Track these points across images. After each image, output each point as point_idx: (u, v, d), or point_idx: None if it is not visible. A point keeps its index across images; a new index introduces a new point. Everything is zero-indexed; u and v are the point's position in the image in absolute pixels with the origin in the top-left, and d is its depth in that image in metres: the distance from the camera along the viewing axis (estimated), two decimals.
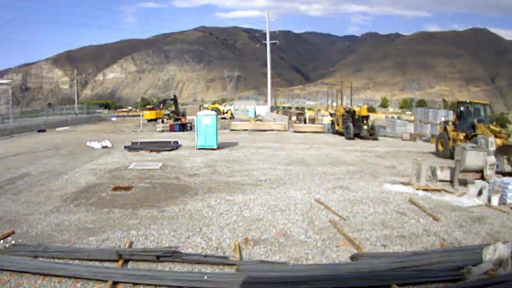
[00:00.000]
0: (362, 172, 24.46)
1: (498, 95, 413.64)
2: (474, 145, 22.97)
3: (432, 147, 40.44)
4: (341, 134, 53.37)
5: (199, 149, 35.29)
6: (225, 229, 13.84)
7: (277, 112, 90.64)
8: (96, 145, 37.81)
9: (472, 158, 21.01)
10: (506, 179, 18.68)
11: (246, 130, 60.60)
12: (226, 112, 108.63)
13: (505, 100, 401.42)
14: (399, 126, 62.22)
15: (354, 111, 54.49)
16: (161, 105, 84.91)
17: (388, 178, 23.21)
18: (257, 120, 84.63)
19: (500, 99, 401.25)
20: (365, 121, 52.85)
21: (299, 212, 16.02)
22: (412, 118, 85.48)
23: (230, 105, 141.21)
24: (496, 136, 28.77)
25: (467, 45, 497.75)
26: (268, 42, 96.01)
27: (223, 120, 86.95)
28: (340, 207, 16.83)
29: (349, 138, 49.61)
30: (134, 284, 9.65)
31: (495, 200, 17.32)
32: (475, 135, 30.40)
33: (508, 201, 17.72)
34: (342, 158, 32.59)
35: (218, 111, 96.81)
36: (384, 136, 56.39)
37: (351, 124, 51.00)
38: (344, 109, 58.07)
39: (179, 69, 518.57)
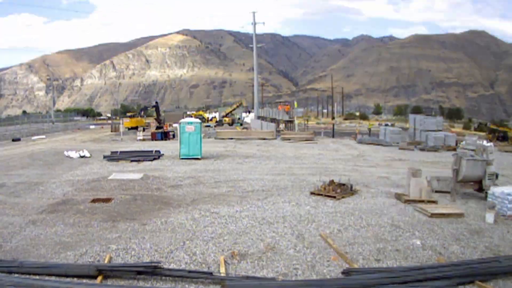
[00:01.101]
0: (355, 182, 24.46)
1: (497, 101, 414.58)
2: (472, 153, 22.86)
3: (430, 156, 40.54)
4: None
5: (182, 158, 35.25)
6: (210, 243, 13.82)
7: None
8: (74, 154, 37.64)
9: (470, 167, 20.97)
10: (506, 189, 18.68)
11: (232, 138, 60.50)
12: (211, 120, 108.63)
13: (504, 106, 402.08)
14: (394, 134, 62.17)
15: None
16: (142, 112, 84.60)
17: (382, 189, 23.27)
18: (244, 128, 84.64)
19: (499, 106, 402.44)
20: None
21: (288, 225, 16.02)
22: (407, 125, 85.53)
23: (215, 112, 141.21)
24: None
25: (465, 49, 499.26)
26: (254, 45, 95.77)
27: (207, 128, 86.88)
28: (330, 219, 16.85)
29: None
30: None
31: (490, 218, 17.16)
32: None
33: (508, 212, 17.75)
34: (333, 167, 32.66)
35: (202, 118, 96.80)
36: (378, 144, 56.35)
37: None
38: None
39: (161, 74, 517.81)
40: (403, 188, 22.25)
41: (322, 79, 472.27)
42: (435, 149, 51.74)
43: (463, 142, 24.83)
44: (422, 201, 19.54)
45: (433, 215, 17.39)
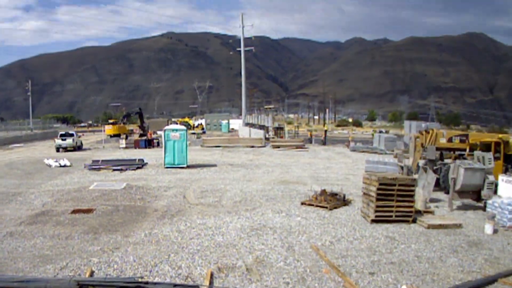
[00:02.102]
0: (347, 192, 24.42)
1: (496, 107, 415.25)
2: (470, 162, 22.83)
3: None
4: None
5: (167, 167, 35.27)
6: (196, 255, 13.78)
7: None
8: (54, 163, 37.55)
9: (468, 176, 20.96)
10: (506, 199, 18.68)
11: (219, 146, 60.51)
12: (197, 127, 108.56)
13: (504, 112, 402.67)
14: (389, 141, 62.11)
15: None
16: (125, 119, 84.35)
17: None
18: (231, 135, 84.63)
19: (499, 111, 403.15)
20: None
21: (277, 237, 16.00)
22: (402, 132, 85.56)
23: (201, 118, 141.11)
24: None
25: (463, 52, 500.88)
26: (242, 49, 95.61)
27: (193, 135, 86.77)
28: (322, 230, 16.85)
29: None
30: None
31: (489, 229, 17.17)
32: None
33: (508, 223, 17.76)
34: (325, 176, 32.71)
35: (188, 125, 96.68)
36: (373, 152, 56.33)
37: None
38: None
39: (145, 79, 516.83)
40: None
41: (313, 84, 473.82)
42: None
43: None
44: (418, 212, 19.43)
45: (430, 226, 17.41)
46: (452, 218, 19.17)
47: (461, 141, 30.66)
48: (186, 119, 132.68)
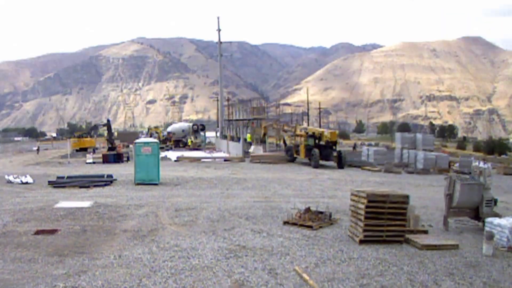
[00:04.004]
0: (334, 210, 24.42)
1: (495, 116, 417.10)
2: (467, 176, 22.78)
3: (419, 179, 40.65)
4: (292, 160, 58.17)
5: (138, 184, 35.18)
6: (170, 279, 13.74)
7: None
8: (15, 180, 37.37)
9: (466, 192, 20.87)
10: (505, 220, 18.71)
11: (195, 160, 60.44)
12: (170, 140, 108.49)
13: (503, 122, 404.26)
14: (378, 154, 62.27)
15: (320, 134, 56.54)
16: (92, 132, 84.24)
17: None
18: (208, 148, 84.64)
19: (497, 122, 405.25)
20: (334, 148, 55.52)
21: (258, 259, 15.96)
22: (393, 145, 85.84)
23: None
24: None
25: (458, 57, 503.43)
26: (219, 55, 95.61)
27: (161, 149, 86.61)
28: (306, 252, 16.86)
29: (315, 166, 52.26)
30: None
31: (488, 249, 17.16)
32: None
33: (508, 244, 17.79)
34: (309, 192, 32.82)
35: (159, 138, 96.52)
36: (360, 166, 56.46)
37: (317, 150, 53.38)
38: (306, 131, 58.99)
39: (113, 88, 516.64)
40: None
41: (296, 93, 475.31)
42: (425, 171, 52.02)
43: (457, 164, 25.01)
44: (411, 231, 19.41)
45: (423, 247, 17.44)
46: (447, 238, 19.22)
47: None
48: (158, 130, 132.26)
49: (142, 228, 20.69)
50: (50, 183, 35.67)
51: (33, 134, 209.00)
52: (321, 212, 22.36)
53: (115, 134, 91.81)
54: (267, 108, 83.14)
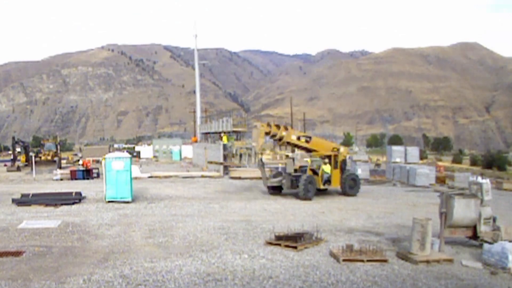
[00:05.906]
0: (320, 230, 24.49)
1: (494, 128, 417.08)
2: (463, 192, 22.56)
3: (411, 196, 40.61)
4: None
5: (109, 201, 35.16)
6: None
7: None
8: None
9: (462, 209, 20.76)
10: (505, 243, 18.73)
11: (170, 176, 60.39)
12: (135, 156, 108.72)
13: (503, 135, 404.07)
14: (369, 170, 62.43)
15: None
16: (58, 146, 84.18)
17: (352, 237, 23.36)
18: (185, 164, 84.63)
19: (496, 133, 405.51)
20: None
21: (239, 282, 16.04)
22: (384, 159, 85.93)
23: (148, 145, 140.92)
24: None
25: (454, 64, 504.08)
26: (196, 62, 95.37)
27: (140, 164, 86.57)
28: (291, 274, 16.91)
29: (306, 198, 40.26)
30: None
31: (486, 271, 17.10)
32: None
33: (509, 265, 17.91)
34: (293, 211, 32.82)
35: (132, 153, 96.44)
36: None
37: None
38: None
39: (82, 98, 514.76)
40: (380, 236, 22.33)
41: (279, 103, 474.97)
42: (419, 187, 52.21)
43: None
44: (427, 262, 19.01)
45: (418, 263, 17.46)
46: (441, 256, 19.23)
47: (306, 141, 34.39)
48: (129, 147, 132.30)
49: (114, 249, 20.70)
50: (13, 201, 35.52)
51: None
52: (306, 232, 22.38)
53: (81, 148, 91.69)
54: (247, 120, 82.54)
